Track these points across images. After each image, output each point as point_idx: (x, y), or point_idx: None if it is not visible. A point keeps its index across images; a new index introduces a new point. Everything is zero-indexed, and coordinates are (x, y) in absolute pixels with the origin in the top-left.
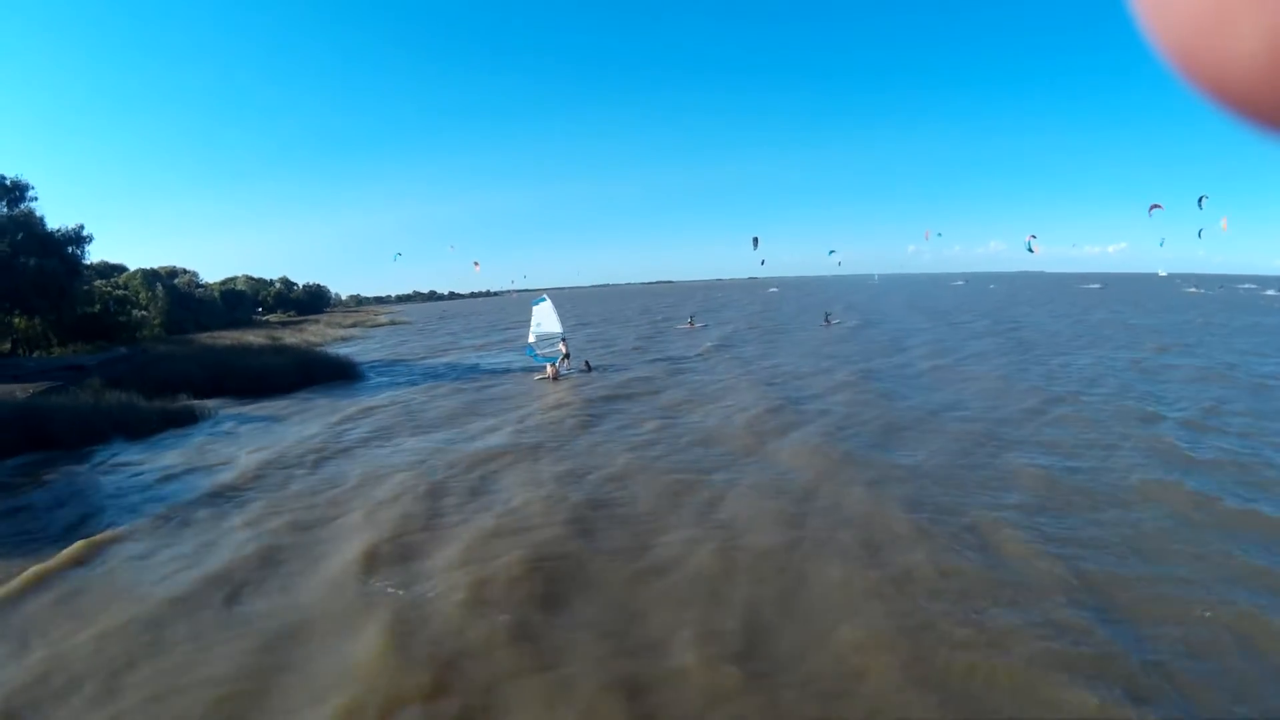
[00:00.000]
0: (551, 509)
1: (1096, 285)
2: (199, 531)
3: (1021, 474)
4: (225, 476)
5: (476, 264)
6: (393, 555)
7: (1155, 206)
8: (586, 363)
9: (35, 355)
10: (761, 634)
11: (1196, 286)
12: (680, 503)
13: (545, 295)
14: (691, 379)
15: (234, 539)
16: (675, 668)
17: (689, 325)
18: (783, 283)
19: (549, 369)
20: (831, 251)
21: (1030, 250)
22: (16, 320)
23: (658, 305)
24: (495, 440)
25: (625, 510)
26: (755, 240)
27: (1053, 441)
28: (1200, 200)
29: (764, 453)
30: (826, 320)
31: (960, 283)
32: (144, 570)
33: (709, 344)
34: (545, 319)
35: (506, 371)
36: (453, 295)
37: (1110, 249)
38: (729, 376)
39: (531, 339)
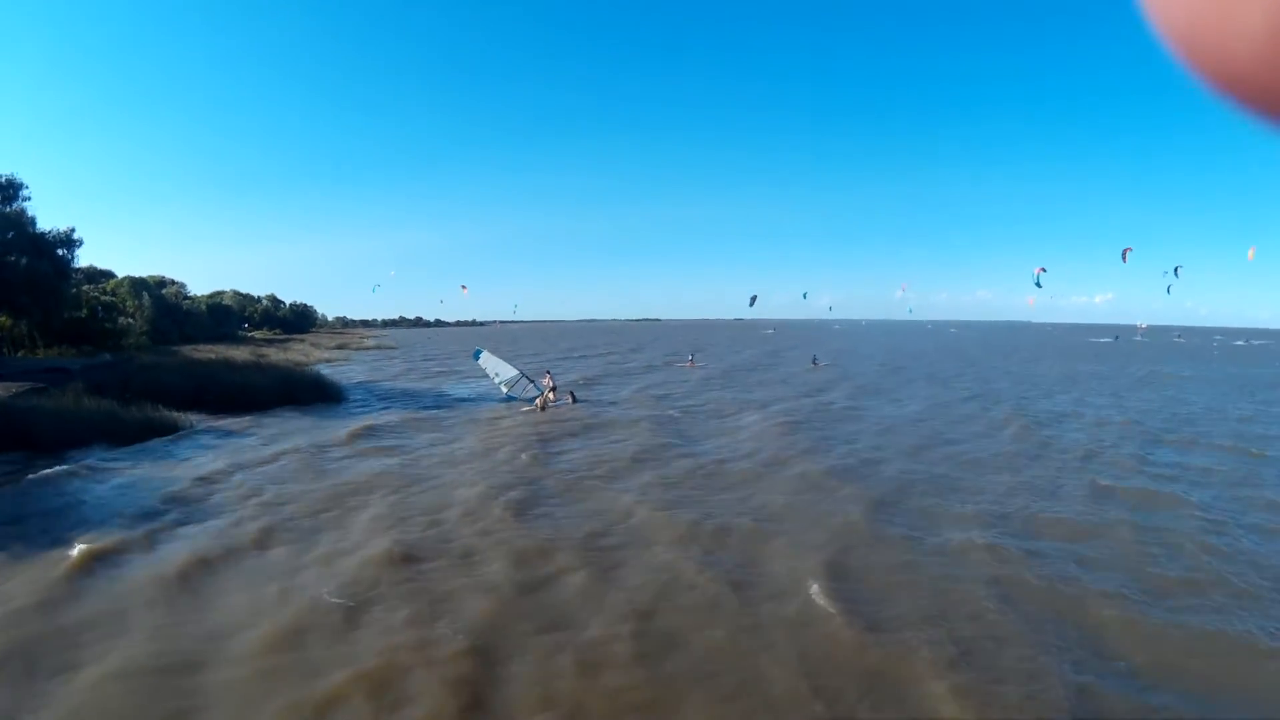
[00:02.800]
0: None
1: (1108, 339)
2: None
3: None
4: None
5: (464, 288)
6: None
7: (1127, 250)
8: (571, 394)
9: (19, 356)
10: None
11: (1143, 336)
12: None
13: (481, 348)
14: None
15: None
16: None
17: (689, 364)
18: (775, 324)
19: (537, 401)
20: (805, 294)
21: (1038, 285)
22: (2, 320)
23: (621, 343)
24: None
25: None
26: (753, 299)
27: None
28: (1176, 270)
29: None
30: (814, 363)
31: (953, 330)
32: None
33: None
34: (497, 367)
35: (474, 399)
36: (439, 323)
37: (1097, 299)
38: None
39: (505, 390)
